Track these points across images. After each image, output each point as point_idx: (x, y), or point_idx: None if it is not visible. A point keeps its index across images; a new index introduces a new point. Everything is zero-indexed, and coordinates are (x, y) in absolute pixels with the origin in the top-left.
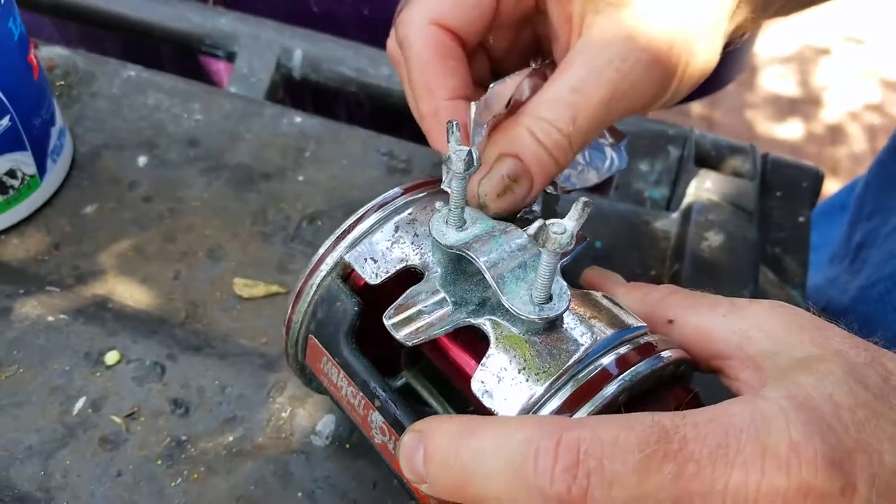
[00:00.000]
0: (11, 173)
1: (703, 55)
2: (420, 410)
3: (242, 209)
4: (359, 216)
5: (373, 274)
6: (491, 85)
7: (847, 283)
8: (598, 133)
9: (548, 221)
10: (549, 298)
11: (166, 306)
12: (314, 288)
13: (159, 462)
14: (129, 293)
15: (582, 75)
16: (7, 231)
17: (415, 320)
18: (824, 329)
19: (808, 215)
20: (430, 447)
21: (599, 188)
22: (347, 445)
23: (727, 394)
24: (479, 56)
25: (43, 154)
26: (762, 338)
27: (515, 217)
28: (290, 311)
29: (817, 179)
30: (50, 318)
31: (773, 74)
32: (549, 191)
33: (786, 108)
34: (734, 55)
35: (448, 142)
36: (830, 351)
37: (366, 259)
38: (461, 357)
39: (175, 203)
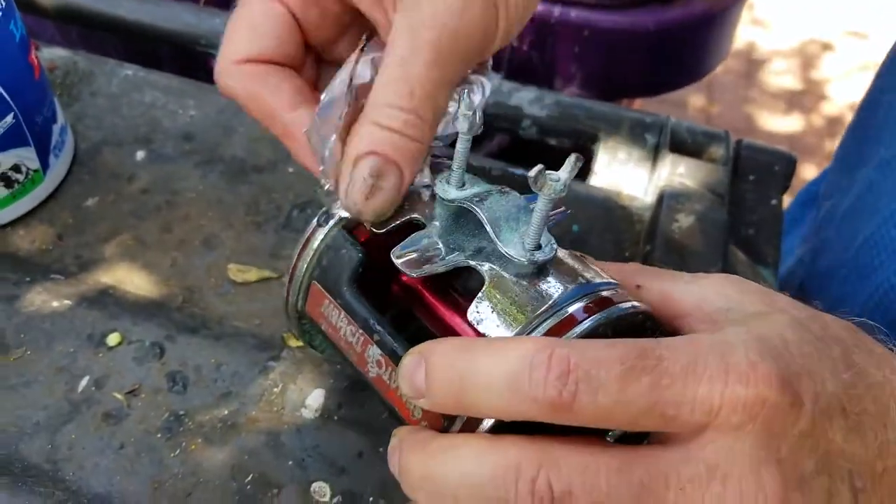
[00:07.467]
0: (16, 168)
1: None
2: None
3: (236, 200)
4: None
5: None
6: (322, 95)
7: (810, 261)
8: (447, 92)
9: (546, 170)
10: (539, 247)
11: (164, 291)
12: (320, 237)
13: (159, 435)
14: (130, 280)
15: (405, 45)
16: (13, 223)
17: (417, 257)
18: (771, 294)
19: (780, 198)
20: (431, 364)
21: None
22: (336, 417)
23: None
24: (309, 59)
25: (46, 150)
26: (718, 297)
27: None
28: (295, 259)
29: (790, 164)
30: (55, 304)
31: (775, 68)
32: (435, 153)
33: (786, 101)
34: (715, 41)
35: (458, 108)
36: (777, 308)
37: None
38: (448, 315)
39: (171, 195)
